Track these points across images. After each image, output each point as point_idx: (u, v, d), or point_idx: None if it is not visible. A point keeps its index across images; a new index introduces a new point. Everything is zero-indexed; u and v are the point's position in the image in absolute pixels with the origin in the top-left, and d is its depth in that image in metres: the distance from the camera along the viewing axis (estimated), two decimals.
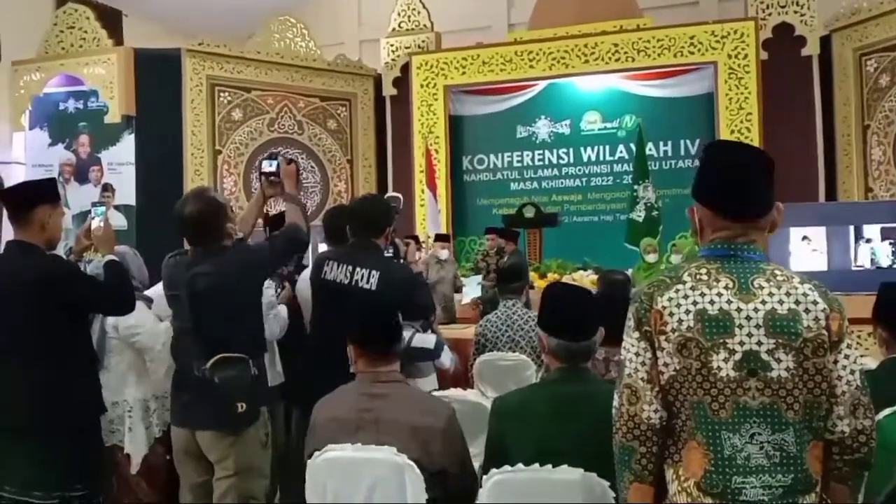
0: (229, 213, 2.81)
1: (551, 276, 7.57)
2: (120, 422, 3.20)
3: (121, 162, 8.06)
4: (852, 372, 1.56)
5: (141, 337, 3.16)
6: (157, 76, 8.16)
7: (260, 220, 3.28)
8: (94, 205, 3.02)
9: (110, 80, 8.02)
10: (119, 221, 7.94)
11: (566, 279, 7.43)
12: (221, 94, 8.53)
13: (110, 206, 7.99)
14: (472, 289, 7.14)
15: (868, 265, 6.68)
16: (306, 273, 3.06)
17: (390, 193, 3.87)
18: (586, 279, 7.25)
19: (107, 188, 8.08)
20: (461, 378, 4.11)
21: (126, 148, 8.04)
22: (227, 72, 8.53)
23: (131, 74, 8.02)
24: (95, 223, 2.90)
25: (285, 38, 9.06)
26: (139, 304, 3.02)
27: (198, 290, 2.64)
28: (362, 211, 3.07)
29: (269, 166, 3.03)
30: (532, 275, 7.13)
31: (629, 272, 6.38)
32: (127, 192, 8.00)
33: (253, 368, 2.67)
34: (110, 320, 3.14)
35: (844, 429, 1.56)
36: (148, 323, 3.19)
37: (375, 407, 2.22)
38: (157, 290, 3.37)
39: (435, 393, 3.03)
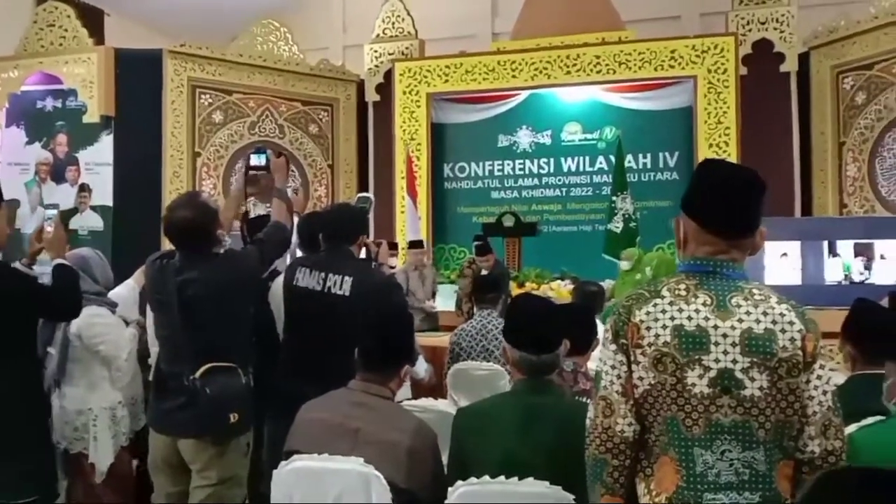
0: (220, 219, 2.80)
1: (529, 286, 7.59)
2: (85, 430, 3.16)
3: (99, 162, 7.97)
4: (825, 392, 1.57)
5: (105, 346, 3.12)
6: (137, 77, 8.08)
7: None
8: (46, 207, 3.00)
9: (90, 80, 7.93)
10: (95, 222, 7.86)
11: (544, 288, 7.45)
12: (202, 97, 8.47)
13: (87, 207, 7.92)
14: (447, 297, 7.14)
15: (839, 280, 6.76)
16: (279, 280, 3.04)
17: (361, 194, 3.87)
18: (564, 289, 7.27)
19: (84, 188, 7.99)
20: (437, 388, 4.10)
21: (104, 148, 7.94)
22: (208, 74, 8.48)
23: (111, 74, 7.94)
24: (47, 226, 2.88)
25: (268, 42, 9.03)
26: (103, 311, 2.99)
27: (188, 297, 2.61)
28: (335, 218, 3.07)
29: (257, 160, 3.00)
30: (510, 284, 7.13)
31: (608, 283, 6.42)
32: (104, 193, 7.91)
33: (243, 377, 2.66)
34: (73, 328, 3.09)
35: (815, 449, 1.56)
36: (113, 331, 3.15)
37: (358, 417, 2.21)
38: (120, 292, 3.33)
39: (406, 402, 3.03)
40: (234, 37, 9.11)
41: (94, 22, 9.12)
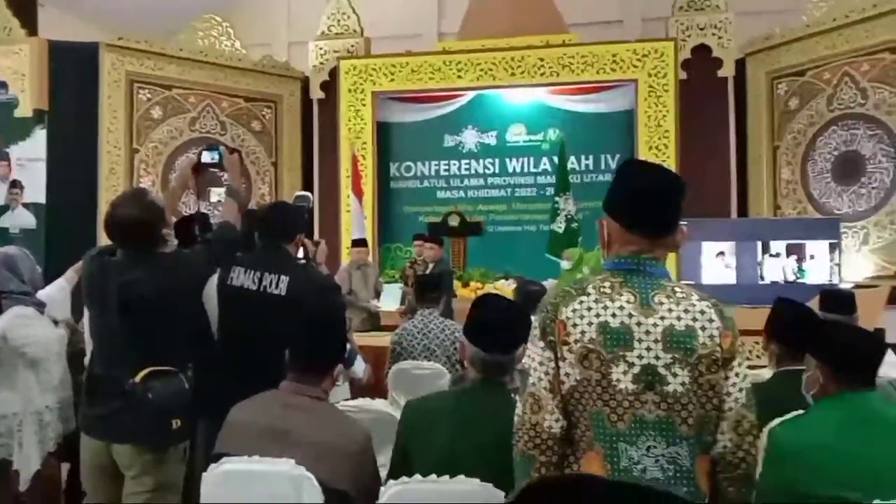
0: (167, 218, 2.71)
1: (474, 285, 7.62)
2: (9, 435, 3.04)
3: (31, 158, 7.70)
4: (740, 389, 1.61)
5: (31, 347, 3.02)
6: (72, 70, 7.83)
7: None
8: None
9: (21, 72, 7.66)
10: (27, 220, 7.60)
11: (488, 287, 7.48)
12: (141, 91, 8.26)
13: (18, 204, 7.65)
14: (392, 296, 7.13)
15: (777, 279, 6.98)
16: (213, 279, 2.98)
17: (299, 192, 3.82)
18: (508, 288, 7.32)
19: (15, 185, 7.71)
20: (377, 387, 4.08)
21: (37, 143, 7.67)
22: (147, 68, 8.27)
23: (45, 67, 7.68)
24: None
25: (210, 37, 8.86)
26: (30, 311, 2.89)
27: (131, 298, 2.51)
28: (272, 217, 3.03)
29: (210, 157, 2.92)
30: (455, 283, 7.16)
31: (551, 282, 6.48)
32: (37, 190, 7.65)
33: (185, 382, 2.59)
34: None
35: (727, 443, 1.61)
36: (40, 332, 3.05)
37: (289, 419, 2.18)
38: (50, 292, 3.23)
39: (343, 402, 3.00)
40: (175, 32, 8.91)
41: (26, 12, 8.79)
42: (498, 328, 2.18)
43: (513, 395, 2.31)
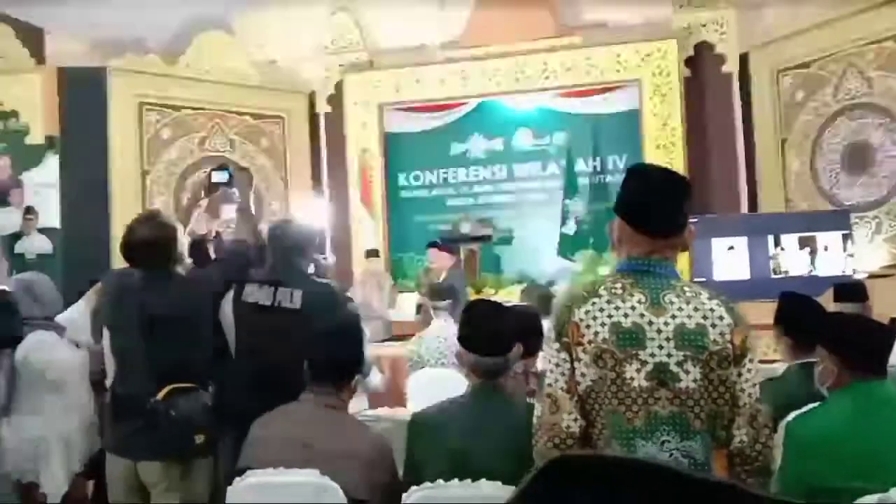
0: (180, 237, 2.78)
1: (487, 291, 7.65)
2: (37, 458, 3.09)
3: (44, 184, 7.81)
4: (753, 385, 1.65)
5: (53, 371, 3.07)
6: (81, 95, 7.93)
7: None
8: None
9: (32, 100, 7.78)
10: (43, 245, 7.69)
11: (502, 293, 7.51)
12: (149, 113, 8.35)
13: (33, 230, 7.74)
14: (407, 305, 7.16)
15: (790, 273, 6.94)
16: (229, 296, 3.02)
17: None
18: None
19: (29, 211, 7.81)
20: (395, 396, 4.11)
21: (50, 169, 7.79)
22: (155, 90, 8.38)
23: (54, 94, 7.79)
24: None
25: (215, 56, 8.95)
26: (51, 337, 2.94)
27: (150, 317, 2.58)
28: (283, 233, 3.07)
29: (219, 177, 2.98)
30: (468, 290, 7.18)
31: (563, 285, 6.50)
32: (51, 215, 7.75)
33: (207, 398, 2.64)
34: (19, 355, 3.03)
35: (744, 438, 1.64)
36: (62, 356, 3.10)
37: (310, 430, 2.22)
38: (70, 315, 3.29)
39: (364, 412, 3.04)
40: (180, 52, 9.01)
41: (34, 40, 8.92)
42: (489, 332, 2.22)
43: (529, 399, 2.34)
